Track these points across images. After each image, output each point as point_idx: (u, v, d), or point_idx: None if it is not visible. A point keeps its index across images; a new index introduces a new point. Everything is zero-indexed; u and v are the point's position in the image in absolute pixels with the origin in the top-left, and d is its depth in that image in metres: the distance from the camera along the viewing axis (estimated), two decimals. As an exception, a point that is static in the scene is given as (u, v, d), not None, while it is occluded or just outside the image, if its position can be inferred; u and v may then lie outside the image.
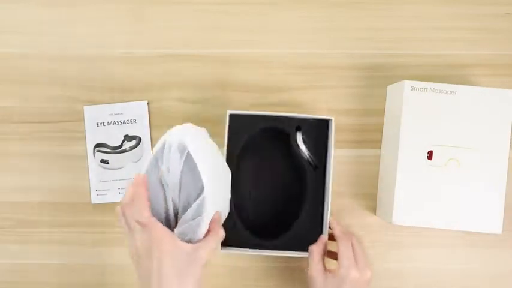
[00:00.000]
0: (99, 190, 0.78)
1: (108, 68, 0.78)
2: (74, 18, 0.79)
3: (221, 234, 0.60)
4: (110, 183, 0.78)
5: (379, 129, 0.78)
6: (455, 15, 0.78)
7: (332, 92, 0.78)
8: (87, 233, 0.79)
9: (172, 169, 0.59)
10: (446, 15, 0.78)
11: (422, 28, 0.78)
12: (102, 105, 0.78)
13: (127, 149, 0.78)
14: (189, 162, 0.58)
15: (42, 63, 0.78)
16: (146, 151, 0.78)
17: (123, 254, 0.79)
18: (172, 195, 0.60)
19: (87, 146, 0.78)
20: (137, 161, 0.79)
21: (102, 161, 0.78)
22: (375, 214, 0.78)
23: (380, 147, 0.78)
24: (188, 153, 0.58)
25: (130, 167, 0.78)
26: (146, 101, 0.78)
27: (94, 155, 0.78)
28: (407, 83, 0.68)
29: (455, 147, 0.68)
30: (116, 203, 0.78)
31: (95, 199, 0.78)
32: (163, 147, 0.60)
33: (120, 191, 0.78)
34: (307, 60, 0.78)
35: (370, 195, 0.78)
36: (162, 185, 0.61)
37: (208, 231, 0.58)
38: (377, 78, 0.78)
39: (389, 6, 0.78)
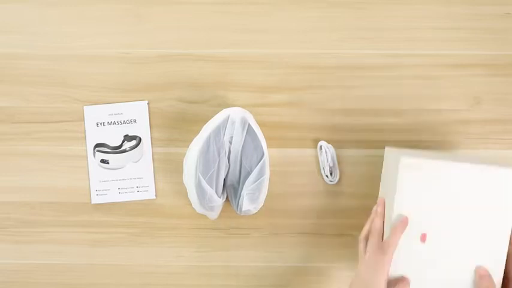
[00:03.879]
0: (99, 190, 0.78)
1: (108, 68, 0.78)
2: (75, 18, 0.79)
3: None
4: (110, 183, 0.78)
5: (380, 129, 0.78)
6: (455, 15, 0.78)
7: (332, 92, 0.78)
8: (87, 233, 0.79)
9: (236, 139, 0.70)
10: (445, 15, 0.78)
11: (422, 28, 0.78)
12: (102, 105, 0.78)
13: (127, 149, 0.78)
14: (250, 133, 0.70)
15: (42, 63, 0.78)
16: (146, 151, 0.78)
17: (123, 254, 0.79)
18: (233, 162, 0.72)
19: (87, 146, 0.78)
20: (137, 161, 0.78)
21: (102, 161, 0.78)
22: None
23: (381, 147, 0.77)
24: (249, 125, 0.70)
25: (130, 167, 0.78)
26: (146, 101, 0.78)
27: (94, 155, 0.78)
28: (404, 160, 0.62)
29: (450, 229, 0.62)
30: (115, 203, 0.78)
31: (95, 199, 0.78)
32: (226, 121, 0.69)
33: (120, 190, 0.78)
34: (307, 60, 0.78)
35: (370, 195, 0.77)
36: (219, 153, 0.70)
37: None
38: (377, 79, 0.78)
39: (389, 6, 0.78)
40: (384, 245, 0.61)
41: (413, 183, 0.62)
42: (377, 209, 0.67)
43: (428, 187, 0.62)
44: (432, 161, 0.62)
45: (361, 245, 0.66)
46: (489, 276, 0.61)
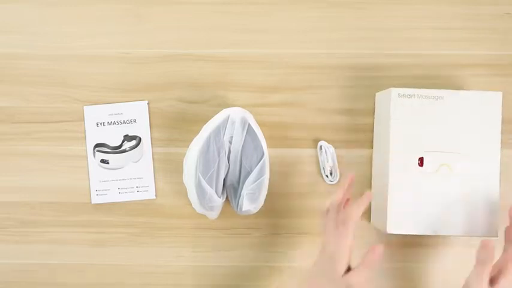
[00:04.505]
0: (99, 190, 0.78)
1: (108, 68, 0.78)
2: (75, 18, 0.78)
3: (374, 267, 0.60)
4: (109, 183, 0.78)
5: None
6: (454, 15, 0.77)
7: (332, 92, 0.78)
8: (87, 233, 0.78)
9: (236, 139, 0.70)
10: (445, 15, 0.77)
11: (422, 28, 0.77)
12: (102, 105, 0.78)
13: (127, 149, 0.78)
14: (250, 133, 0.70)
15: (42, 63, 0.78)
16: (146, 151, 0.78)
17: (123, 254, 0.78)
18: (233, 162, 0.71)
19: (87, 146, 0.78)
20: (137, 161, 0.78)
21: (102, 161, 0.78)
22: (370, 221, 0.77)
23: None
24: (249, 125, 0.70)
25: (131, 167, 0.78)
26: (146, 101, 0.78)
27: (94, 155, 0.78)
28: (394, 91, 0.67)
29: (446, 152, 0.67)
30: (116, 203, 0.78)
31: (95, 199, 0.78)
32: (226, 121, 0.69)
33: (120, 190, 0.78)
34: (307, 60, 0.78)
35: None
36: (219, 153, 0.70)
37: (363, 262, 0.60)
38: (378, 79, 0.77)
39: (389, 6, 0.77)
40: (345, 218, 0.61)
41: (405, 110, 0.67)
42: (344, 182, 0.67)
43: (420, 113, 0.67)
44: (422, 89, 0.67)
45: (323, 220, 0.66)
46: (491, 248, 0.60)
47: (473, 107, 0.67)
